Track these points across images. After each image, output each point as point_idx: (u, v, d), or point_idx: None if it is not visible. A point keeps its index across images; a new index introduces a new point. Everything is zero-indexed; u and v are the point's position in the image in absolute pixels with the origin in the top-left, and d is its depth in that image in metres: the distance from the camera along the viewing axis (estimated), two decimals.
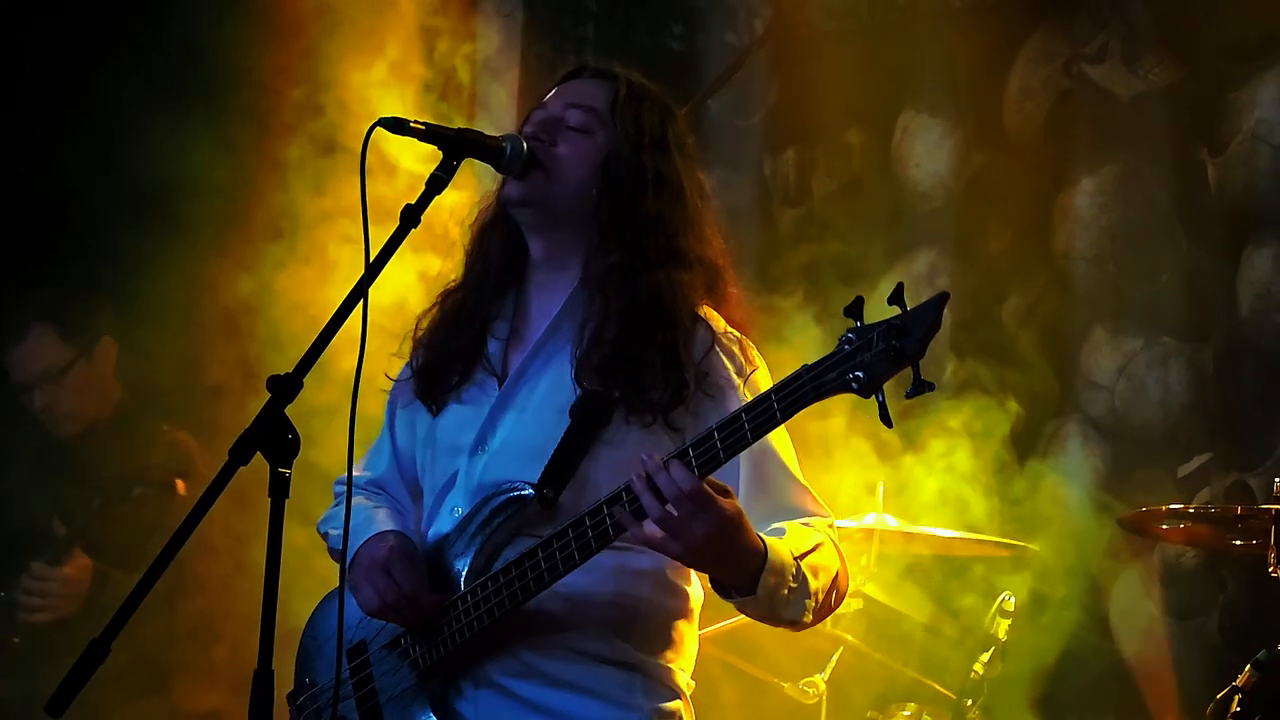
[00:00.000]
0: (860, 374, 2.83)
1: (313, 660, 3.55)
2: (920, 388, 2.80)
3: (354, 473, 3.65)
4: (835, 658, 5.06)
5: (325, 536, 3.65)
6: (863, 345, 2.83)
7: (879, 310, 2.85)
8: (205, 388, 5.83)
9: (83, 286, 5.87)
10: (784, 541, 3.18)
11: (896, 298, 2.82)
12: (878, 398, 2.84)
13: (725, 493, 3.04)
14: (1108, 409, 5.83)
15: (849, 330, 2.85)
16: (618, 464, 3.20)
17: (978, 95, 6.19)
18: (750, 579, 3.09)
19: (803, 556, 3.19)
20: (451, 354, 3.49)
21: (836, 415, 5.42)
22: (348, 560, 3.40)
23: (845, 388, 2.86)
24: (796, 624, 3.21)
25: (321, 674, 3.52)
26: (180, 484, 5.36)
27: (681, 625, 3.41)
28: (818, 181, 6.60)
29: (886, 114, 6.42)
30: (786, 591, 3.13)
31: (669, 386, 3.27)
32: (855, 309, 2.86)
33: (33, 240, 6.29)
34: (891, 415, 2.84)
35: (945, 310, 2.81)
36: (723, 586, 3.14)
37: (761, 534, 3.13)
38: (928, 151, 6.32)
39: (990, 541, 5.28)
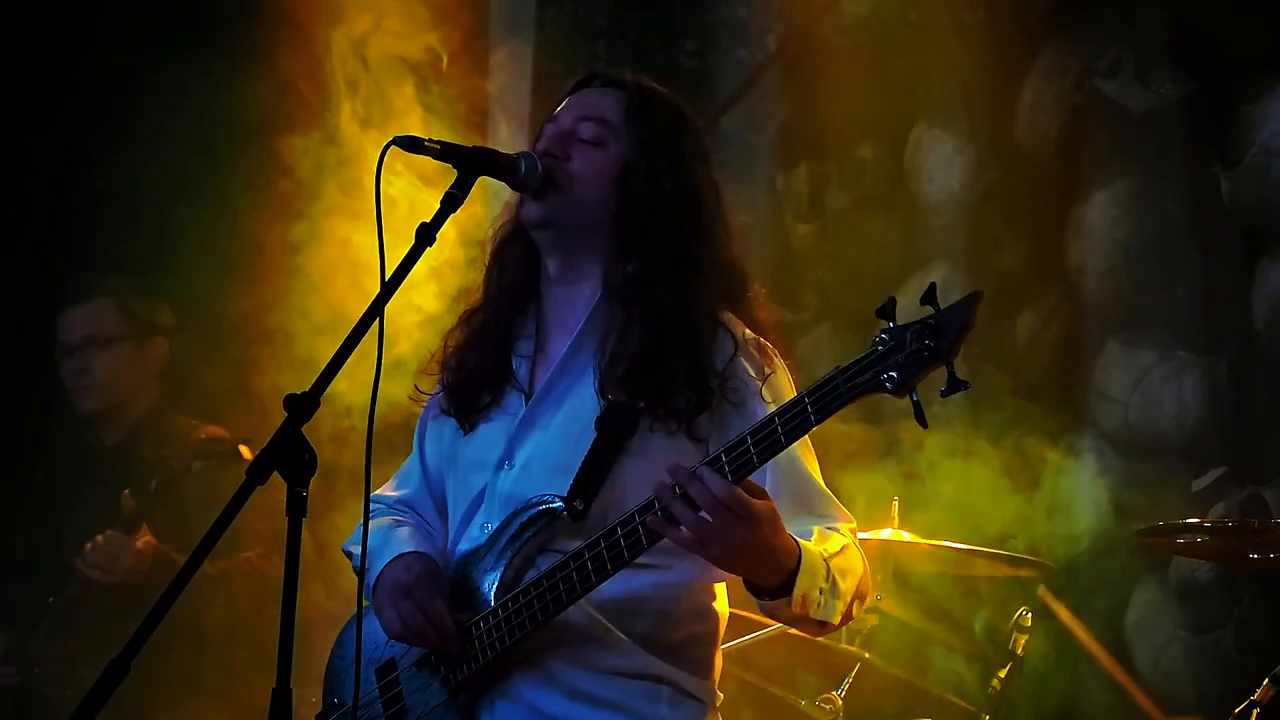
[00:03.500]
0: (895, 374, 2.83)
1: (341, 680, 3.55)
2: (955, 386, 2.80)
3: (385, 492, 3.69)
4: (852, 674, 5.04)
5: (349, 556, 3.65)
6: (896, 345, 2.83)
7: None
8: (244, 396, 5.79)
9: (150, 282, 5.89)
10: (813, 543, 3.17)
11: (929, 298, 2.82)
12: (912, 398, 2.84)
13: (761, 495, 3.05)
14: (1122, 423, 5.82)
15: (882, 330, 2.85)
16: (643, 474, 3.19)
17: (990, 110, 6.20)
18: (785, 580, 3.09)
19: (831, 558, 3.19)
20: (479, 375, 3.49)
21: (852, 429, 5.43)
22: (370, 581, 3.42)
23: (879, 388, 2.85)
24: (826, 626, 3.21)
25: (350, 694, 3.51)
26: (245, 449, 5.24)
27: (707, 640, 3.41)
28: (830, 196, 6.60)
29: (899, 129, 6.42)
30: (819, 593, 3.13)
31: (693, 393, 3.27)
32: (888, 310, 2.87)
33: (106, 230, 6.33)
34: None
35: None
36: (756, 589, 3.14)
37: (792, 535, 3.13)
38: (940, 166, 6.33)
39: (1006, 557, 5.28)
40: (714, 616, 3.42)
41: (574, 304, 3.46)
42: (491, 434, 3.46)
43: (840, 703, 5.00)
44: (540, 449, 3.38)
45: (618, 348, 3.34)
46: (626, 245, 3.38)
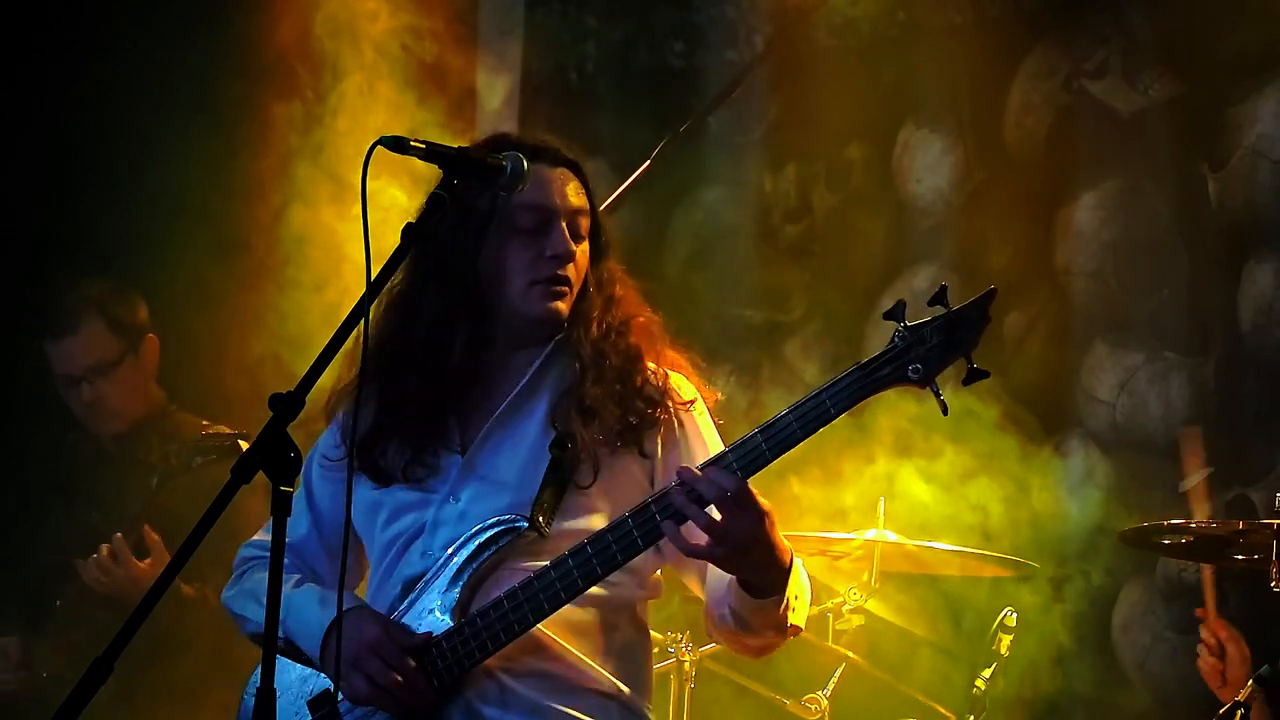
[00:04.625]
0: (920, 365, 3.08)
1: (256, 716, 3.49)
2: (974, 375, 3.12)
3: (258, 536, 3.63)
4: (837, 674, 5.05)
5: (241, 620, 3.57)
6: (916, 341, 3.09)
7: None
8: (232, 389, 5.77)
9: (125, 280, 5.84)
10: None
11: (939, 298, 3.11)
12: (933, 389, 3.07)
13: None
14: (1109, 424, 5.83)
15: (899, 329, 3.10)
16: (598, 492, 3.31)
17: (979, 111, 6.20)
18: (783, 577, 3.16)
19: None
20: (404, 429, 3.43)
21: (839, 430, 5.42)
22: (311, 644, 3.39)
23: (903, 380, 3.09)
24: (796, 630, 3.28)
25: None
26: (244, 444, 5.12)
27: (646, 659, 3.48)
28: (818, 197, 6.60)
29: (887, 129, 6.42)
30: (795, 598, 3.21)
31: (640, 411, 3.35)
32: (897, 312, 3.11)
33: (71, 233, 6.30)
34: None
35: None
36: (751, 587, 3.16)
37: None
38: (929, 167, 6.33)
39: (992, 557, 5.28)
40: (648, 636, 3.50)
41: (518, 359, 3.46)
42: (428, 479, 3.42)
43: (825, 703, 5.00)
44: (491, 480, 3.38)
45: (568, 389, 3.38)
46: (590, 310, 3.44)
